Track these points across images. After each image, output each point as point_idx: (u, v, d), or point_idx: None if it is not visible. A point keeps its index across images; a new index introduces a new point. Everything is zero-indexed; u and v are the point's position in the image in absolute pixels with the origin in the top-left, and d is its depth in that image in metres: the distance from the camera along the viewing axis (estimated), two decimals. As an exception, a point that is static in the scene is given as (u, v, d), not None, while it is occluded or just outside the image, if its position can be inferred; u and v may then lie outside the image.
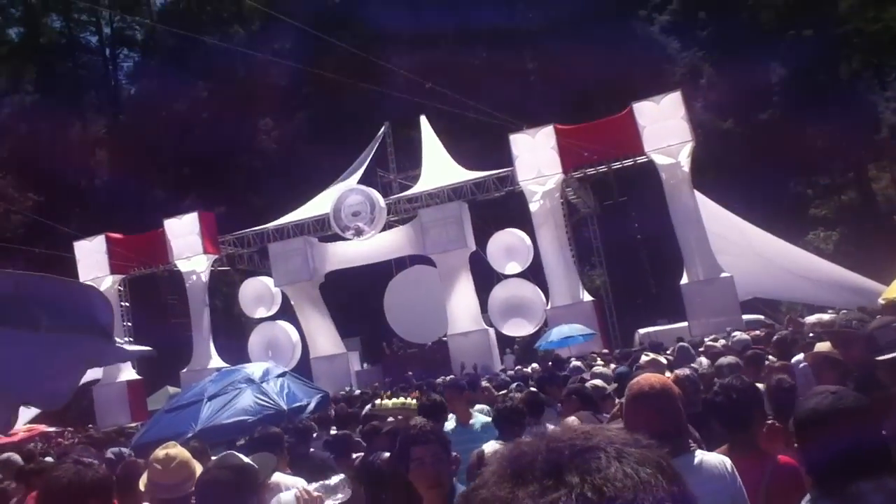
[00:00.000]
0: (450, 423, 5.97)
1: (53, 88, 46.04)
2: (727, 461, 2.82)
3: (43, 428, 19.03)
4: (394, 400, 7.48)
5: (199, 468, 3.45)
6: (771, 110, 34.86)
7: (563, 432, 0.86)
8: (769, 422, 3.73)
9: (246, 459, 3.04)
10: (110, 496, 3.09)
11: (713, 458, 2.83)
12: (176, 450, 3.56)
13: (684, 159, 21.11)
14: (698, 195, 21.34)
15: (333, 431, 7.85)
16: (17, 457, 8.82)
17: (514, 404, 5.46)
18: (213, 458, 3.62)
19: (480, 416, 6.25)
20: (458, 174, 25.29)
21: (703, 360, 8.46)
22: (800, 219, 29.31)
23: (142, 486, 3.50)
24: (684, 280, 20.65)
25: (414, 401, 7.45)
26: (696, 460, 2.77)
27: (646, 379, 3.00)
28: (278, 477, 4.28)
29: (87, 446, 9.36)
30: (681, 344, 10.15)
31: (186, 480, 3.39)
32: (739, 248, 21.16)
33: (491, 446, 5.22)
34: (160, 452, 3.51)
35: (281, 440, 5.00)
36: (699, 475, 2.67)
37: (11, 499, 5.35)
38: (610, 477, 0.77)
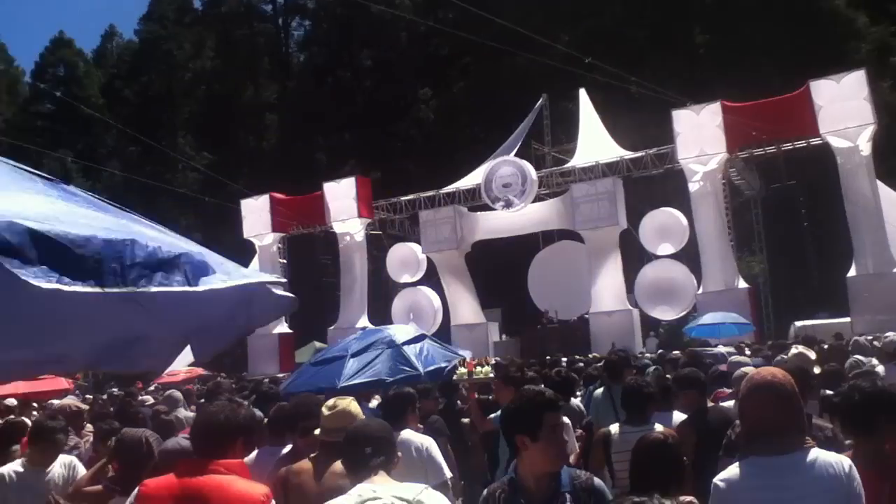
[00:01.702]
0: None
1: (231, 55, 48.82)
2: (846, 461, 2.61)
3: (202, 371, 20.43)
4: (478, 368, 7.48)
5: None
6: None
7: None
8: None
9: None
10: (255, 435, 3.36)
11: (829, 457, 2.66)
12: (343, 400, 3.79)
13: (864, 143, 19.47)
14: (878, 183, 19.63)
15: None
16: (178, 393, 9.46)
17: (643, 386, 5.14)
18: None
19: None
20: (615, 150, 24.59)
21: (874, 360, 7.67)
22: None
23: (316, 432, 3.74)
24: (851, 272, 19.15)
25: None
26: (810, 458, 2.64)
27: (767, 370, 2.95)
28: (407, 434, 4.42)
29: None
30: (856, 338, 9.31)
31: (342, 428, 3.53)
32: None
33: (616, 427, 5.02)
34: (331, 401, 3.78)
35: (413, 400, 5.10)
36: (808, 473, 2.58)
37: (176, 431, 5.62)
38: None
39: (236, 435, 3.03)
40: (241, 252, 27.22)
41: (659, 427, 4.58)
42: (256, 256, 27.43)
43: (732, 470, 2.76)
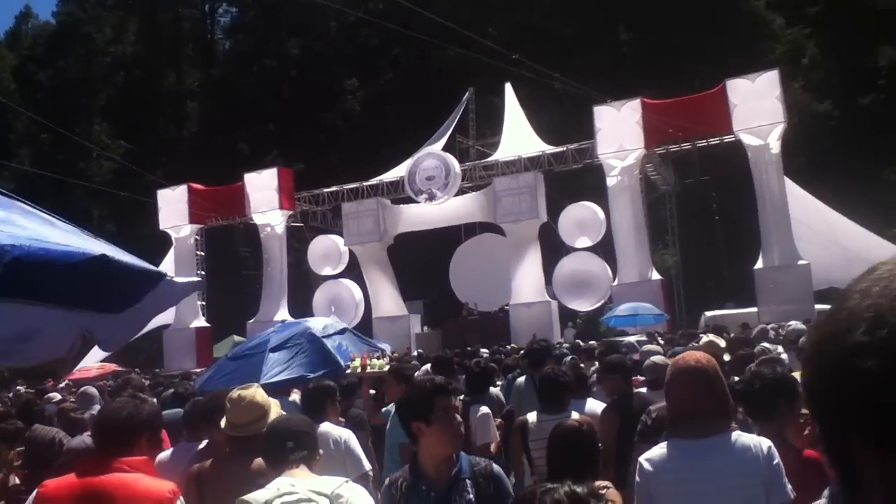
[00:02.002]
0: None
1: (153, 40, 47.38)
2: (765, 442, 2.74)
3: (115, 367, 19.90)
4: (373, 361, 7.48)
5: (273, 410, 3.62)
6: (874, 94, 32.94)
7: None
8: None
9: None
10: (160, 431, 3.22)
11: (749, 439, 2.78)
12: (251, 391, 3.67)
13: (774, 141, 20.24)
14: (785, 179, 20.44)
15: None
16: (93, 390, 9.16)
17: (559, 375, 5.26)
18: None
19: None
20: (537, 144, 24.91)
21: (780, 348, 8.01)
22: (892, 210, 27.74)
23: (221, 424, 3.63)
24: (759, 265, 19.92)
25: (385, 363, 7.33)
26: (732, 439, 2.75)
27: (691, 355, 3.03)
28: (326, 427, 4.35)
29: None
30: (762, 327, 9.68)
31: (259, 420, 3.50)
32: (821, 237, 20.22)
33: (533, 416, 5.11)
34: (235, 393, 3.66)
35: (333, 392, 5.06)
36: (730, 455, 2.69)
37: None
38: None
39: (140, 431, 2.94)
40: (157, 244, 26.55)
41: (575, 415, 4.68)
42: (173, 248, 26.77)
43: (657, 450, 2.85)
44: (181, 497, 2.89)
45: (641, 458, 2.86)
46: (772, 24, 36.35)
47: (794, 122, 21.41)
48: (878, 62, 33.79)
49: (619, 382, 5.47)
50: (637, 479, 2.87)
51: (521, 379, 7.39)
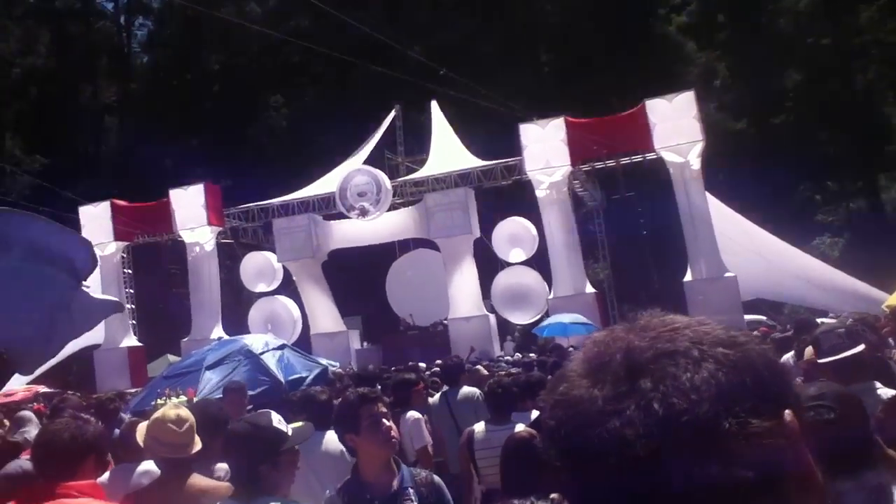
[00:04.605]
0: None
1: (66, 53, 45.88)
2: None
3: (42, 388, 19.09)
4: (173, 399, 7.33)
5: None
6: (784, 115, 34.77)
7: (651, 327, 0.80)
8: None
9: (277, 420, 2.97)
10: (106, 452, 3.10)
11: None
12: (185, 411, 3.52)
13: (694, 158, 21.08)
14: (707, 195, 21.31)
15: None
16: (30, 413, 8.78)
17: (505, 386, 5.46)
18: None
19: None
20: (467, 160, 25.22)
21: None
22: (807, 224, 29.21)
23: (140, 442, 3.44)
24: (687, 277, 20.66)
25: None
26: None
27: None
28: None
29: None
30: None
31: (190, 443, 3.38)
32: (744, 249, 21.17)
33: (481, 426, 5.27)
34: (171, 412, 3.46)
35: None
36: None
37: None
38: (682, 387, 0.69)
39: (86, 453, 2.81)
40: (82, 262, 25.66)
41: (520, 426, 4.84)
42: (98, 267, 25.92)
43: None
44: None
45: None
46: (684, 48, 38.00)
47: (711, 140, 22.38)
48: (784, 85, 35.69)
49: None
50: None
51: (436, 397, 7.43)
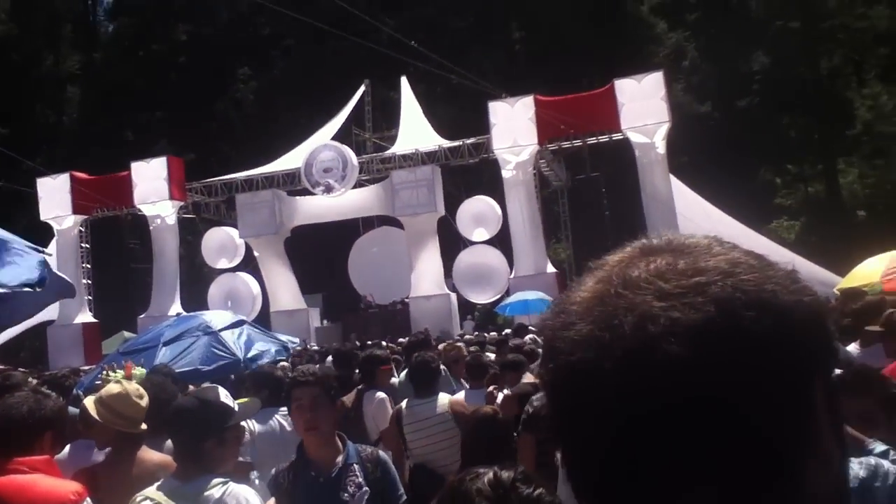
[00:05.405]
0: None
1: (28, 19, 44.67)
2: None
3: (-7, 365, 18.77)
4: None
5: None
6: (749, 98, 34.93)
7: (670, 274, 0.60)
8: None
9: (224, 395, 2.93)
10: (65, 428, 3.04)
11: None
12: (139, 386, 3.51)
13: (659, 140, 21.13)
14: (671, 177, 21.39)
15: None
16: None
17: (429, 361, 5.46)
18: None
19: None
20: (434, 138, 25.08)
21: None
22: (766, 206, 29.45)
23: (95, 415, 3.36)
24: (647, 258, 20.71)
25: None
26: None
27: None
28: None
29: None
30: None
31: (143, 418, 3.38)
32: (704, 231, 20.91)
33: (405, 402, 5.33)
34: (131, 386, 3.46)
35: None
36: None
37: None
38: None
39: (42, 429, 2.75)
40: (39, 236, 25.13)
41: (443, 398, 5.05)
42: (55, 241, 25.48)
43: None
44: (88, 498, 2.67)
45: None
46: (655, 28, 37.96)
47: (676, 121, 22.42)
48: (752, 67, 35.82)
49: (517, 378, 5.71)
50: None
51: (401, 376, 7.46)
